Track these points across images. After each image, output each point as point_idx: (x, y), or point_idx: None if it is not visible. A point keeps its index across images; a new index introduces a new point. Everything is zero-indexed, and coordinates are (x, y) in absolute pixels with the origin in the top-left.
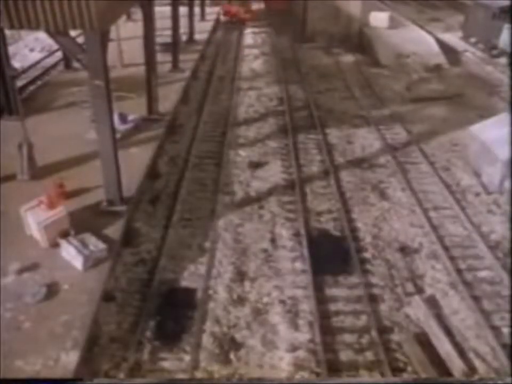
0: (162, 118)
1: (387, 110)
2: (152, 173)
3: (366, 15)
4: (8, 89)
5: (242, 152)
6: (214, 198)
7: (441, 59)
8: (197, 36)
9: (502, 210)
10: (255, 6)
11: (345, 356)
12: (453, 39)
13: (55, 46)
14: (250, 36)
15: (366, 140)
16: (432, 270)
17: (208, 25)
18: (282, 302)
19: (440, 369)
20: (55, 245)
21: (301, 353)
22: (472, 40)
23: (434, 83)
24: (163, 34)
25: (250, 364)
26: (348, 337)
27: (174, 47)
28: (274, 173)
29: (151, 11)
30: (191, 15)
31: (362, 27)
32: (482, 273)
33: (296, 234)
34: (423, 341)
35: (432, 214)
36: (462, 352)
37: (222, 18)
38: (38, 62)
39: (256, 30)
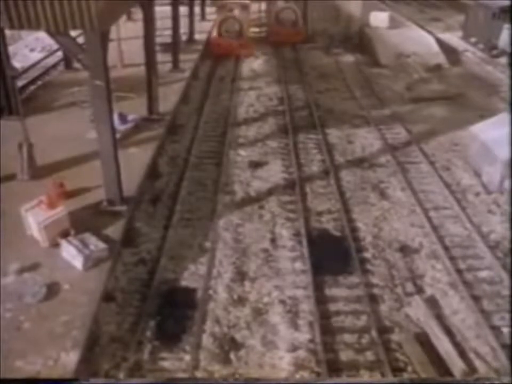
0: (163, 118)
1: (387, 110)
2: (152, 173)
3: (366, 15)
4: (8, 89)
5: (242, 152)
6: (214, 198)
7: (441, 59)
8: (197, 36)
9: (502, 210)
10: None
11: (345, 355)
12: (453, 39)
13: (56, 46)
14: None
15: (366, 140)
16: (432, 270)
17: (208, 25)
18: (282, 302)
19: (440, 369)
20: (55, 245)
21: (301, 353)
22: (472, 40)
23: (434, 83)
24: (163, 34)
25: (250, 363)
26: (348, 337)
27: (174, 47)
28: (275, 172)
29: (151, 11)
30: (191, 15)
31: (363, 27)
32: (482, 273)
33: (297, 234)
34: (423, 341)
35: (432, 213)
36: (462, 352)
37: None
38: (38, 62)
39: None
